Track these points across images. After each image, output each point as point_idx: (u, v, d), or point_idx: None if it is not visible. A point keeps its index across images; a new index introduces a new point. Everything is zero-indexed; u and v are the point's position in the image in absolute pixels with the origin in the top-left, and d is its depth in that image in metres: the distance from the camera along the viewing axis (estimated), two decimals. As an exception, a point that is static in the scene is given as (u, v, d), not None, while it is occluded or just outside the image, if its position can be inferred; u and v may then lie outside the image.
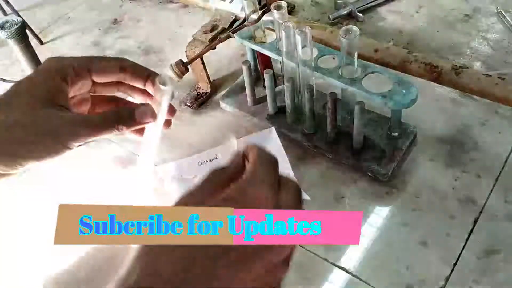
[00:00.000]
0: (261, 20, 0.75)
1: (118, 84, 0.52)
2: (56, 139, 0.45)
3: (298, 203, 0.37)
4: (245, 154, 0.41)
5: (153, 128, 0.51)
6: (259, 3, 0.75)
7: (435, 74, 0.83)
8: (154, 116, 0.49)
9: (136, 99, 0.54)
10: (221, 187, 0.37)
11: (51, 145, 0.45)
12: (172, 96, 0.51)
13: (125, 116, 0.48)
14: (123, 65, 0.51)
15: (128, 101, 0.54)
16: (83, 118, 0.47)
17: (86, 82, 0.49)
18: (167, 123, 0.53)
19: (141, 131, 0.53)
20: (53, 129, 0.45)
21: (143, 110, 0.49)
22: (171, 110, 0.52)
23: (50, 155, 0.45)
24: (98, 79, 0.50)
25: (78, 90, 0.49)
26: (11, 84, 0.49)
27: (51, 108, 0.45)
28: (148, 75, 0.52)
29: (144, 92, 0.53)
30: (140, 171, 0.53)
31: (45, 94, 0.46)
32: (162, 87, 0.49)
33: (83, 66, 0.49)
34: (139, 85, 0.51)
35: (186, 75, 0.74)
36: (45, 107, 0.45)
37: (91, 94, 0.53)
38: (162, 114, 0.50)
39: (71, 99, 0.49)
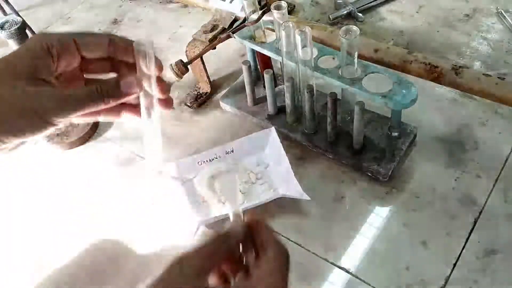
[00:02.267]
0: (261, 20, 0.75)
1: (110, 62, 0.51)
2: (39, 115, 0.43)
3: None
4: (253, 227, 0.45)
5: (149, 105, 0.48)
6: (259, 3, 0.75)
7: (435, 74, 0.83)
8: (140, 86, 0.47)
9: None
10: (222, 259, 0.42)
11: (34, 122, 0.44)
12: (161, 69, 0.48)
13: (110, 88, 0.47)
14: (111, 38, 0.50)
15: None
16: (67, 93, 0.46)
17: (73, 57, 0.47)
18: (165, 102, 0.50)
19: (137, 111, 0.50)
20: (35, 106, 0.43)
21: (128, 80, 0.47)
22: (163, 87, 0.49)
23: (33, 132, 0.44)
24: (87, 53, 0.48)
25: (66, 65, 0.47)
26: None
27: (34, 83, 0.44)
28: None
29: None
30: (148, 152, 0.51)
31: (27, 69, 0.44)
32: (138, 47, 0.47)
33: (69, 39, 0.48)
34: (129, 58, 0.50)
35: (186, 75, 0.74)
36: (27, 83, 0.44)
37: (85, 75, 0.52)
38: (150, 83, 0.48)
39: (60, 76, 0.47)
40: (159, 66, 0.48)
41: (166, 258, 0.71)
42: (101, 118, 0.51)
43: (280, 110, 0.81)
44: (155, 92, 0.48)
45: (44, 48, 0.46)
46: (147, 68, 0.48)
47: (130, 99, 0.48)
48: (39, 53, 0.45)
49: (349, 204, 0.71)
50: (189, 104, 0.88)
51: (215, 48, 0.80)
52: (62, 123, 0.46)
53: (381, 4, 1.02)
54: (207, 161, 0.77)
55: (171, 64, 0.72)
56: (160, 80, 0.49)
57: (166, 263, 0.42)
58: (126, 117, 0.51)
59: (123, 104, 0.50)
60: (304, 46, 0.67)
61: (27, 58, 0.45)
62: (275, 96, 0.80)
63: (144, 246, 0.70)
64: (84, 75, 0.51)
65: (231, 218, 0.48)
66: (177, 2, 1.12)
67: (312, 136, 0.78)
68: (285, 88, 0.75)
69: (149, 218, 0.73)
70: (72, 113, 0.45)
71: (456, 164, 0.73)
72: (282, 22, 0.68)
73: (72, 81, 0.49)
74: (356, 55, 0.68)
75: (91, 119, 0.50)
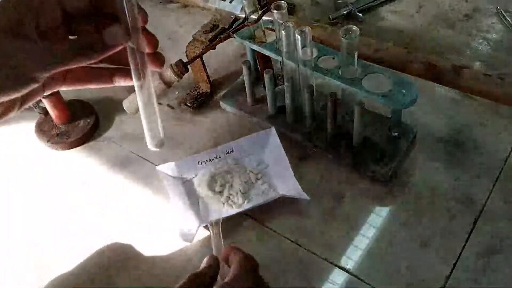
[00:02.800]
0: (261, 20, 0.75)
1: (95, 19, 0.47)
2: (20, 70, 0.41)
3: None
4: (226, 256, 0.55)
5: (139, 63, 0.44)
6: (259, 3, 0.75)
7: (435, 74, 0.83)
8: (126, 35, 0.43)
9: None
10: None
11: (16, 80, 0.42)
12: (146, 19, 0.44)
13: (94, 42, 0.43)
14: None
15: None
16: (50, 49, 0.43)
17: (55, 11, 0.44)
18: (155, 59, 0.47)
19: (129, 76, 0.46)
20: (16, 63, 0.41)
21: (111, 30, 0.43)
22: (150, 40, 0.46)
23: (15, 89, 0.42)
24: (68, 5, 0.44)
25: (48, 21, 0.44)
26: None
27: (14, 38, 0.42)
28: None
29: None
30: (145, 121, 0.47)
31: (6, 25, 0.42)
32: None
33: None
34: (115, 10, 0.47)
35: (186, 75, 0.74)
36: (6, 37, 0.41)
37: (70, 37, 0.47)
38: (136, 35, 0.43)
39: (43, 34, 0.44)
40: (143, 16, 0.45)
41: (165, 259, 0.72)
42: (93, 86, 0.48)
43: (280, 110, 0.81)
44: (142, 45, 0.45)
45: (24, 2, 0.43)
46: (130, 17, 0.43)
47: (117, 50, 0.44)
48: (17, 7, 0.42)
49: (349, 204, 0.71)
50: (189, 104, 0.88)
51: (215, 48, 0.80)
52: (46, 77, 0.43)
53: (381, 4, 1.02)
54: (207, 161, 0.77)
55: (171, 64, 0.72)
56: (146, 32, 0.45)
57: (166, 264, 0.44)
58: (119, 82, 0.48)
59: (114, 70, 0.48)
60: (304, 46, 0.67)
61: (5, 12, 0.42)
62: (275, 96, 0.80)
63: (143, 246, 0.70)
64: (70, 38, 0.47)
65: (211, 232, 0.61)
66: (177, 2, 1.12)
67: (312, 136, 0.78)
68: (285, 88, 0.75)
69: (148, 218, 0.73)
70: (55, 68, 0.43)
71: (456, 164, 0.73)
72: (282, 22, 0.69)
73: (56, 41, 0.46)
74: (356, 55, 0.68)
75: (81, 87, 0.48)
